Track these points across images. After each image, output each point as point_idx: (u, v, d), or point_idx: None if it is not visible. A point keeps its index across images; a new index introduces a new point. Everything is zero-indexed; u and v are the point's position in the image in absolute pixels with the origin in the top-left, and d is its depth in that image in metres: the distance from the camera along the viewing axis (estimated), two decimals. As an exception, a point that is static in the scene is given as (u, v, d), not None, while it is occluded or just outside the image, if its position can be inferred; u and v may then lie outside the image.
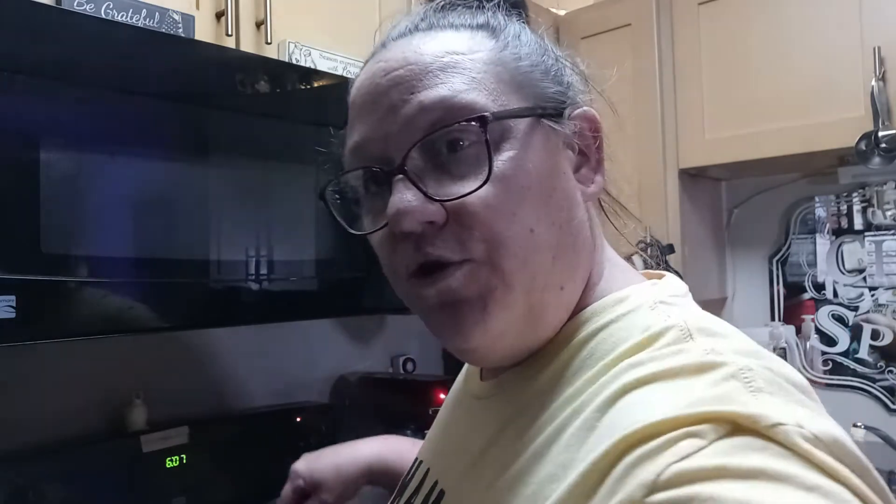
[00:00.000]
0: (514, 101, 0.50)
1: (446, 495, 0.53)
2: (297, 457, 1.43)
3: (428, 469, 0.59)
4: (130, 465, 1.24)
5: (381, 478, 0.91)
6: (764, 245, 2.03)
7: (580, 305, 0.52)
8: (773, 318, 2.01)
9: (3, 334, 0.87)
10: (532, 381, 0.52)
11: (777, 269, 2.01)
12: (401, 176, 0.48)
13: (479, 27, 0.52)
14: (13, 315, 0.87)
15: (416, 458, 0.63)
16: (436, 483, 0.55)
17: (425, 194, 0.48)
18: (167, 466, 1.28)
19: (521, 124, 0.49)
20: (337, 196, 0.54)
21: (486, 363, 0.56)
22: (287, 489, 0.93)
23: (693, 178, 1.89)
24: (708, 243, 2.01)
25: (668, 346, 0.46)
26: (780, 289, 2.00)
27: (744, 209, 2.07)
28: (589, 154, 0.53)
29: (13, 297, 0.87)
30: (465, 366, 0.66)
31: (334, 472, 0.91)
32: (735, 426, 0.39)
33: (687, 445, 0.38)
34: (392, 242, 0.50)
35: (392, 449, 0.92)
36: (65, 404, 1.26)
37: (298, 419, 1.51)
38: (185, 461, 1.30)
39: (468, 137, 0.48)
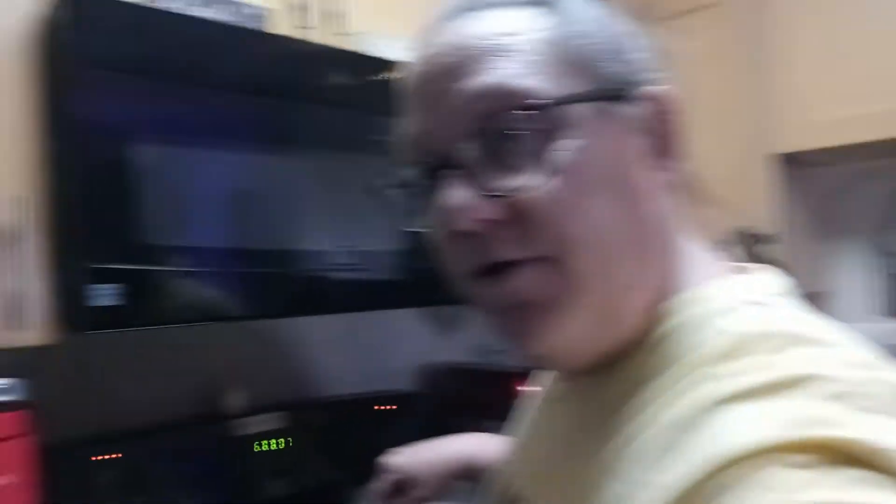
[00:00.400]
0: (576, 84, 0.45)
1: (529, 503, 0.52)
2: (384, 445, 1.47)
3: (510, 473, 0.58)
4: (228, 448, 1.30)
5: (472, 475, 0.91)
6: (869, 234, 1.91)
7: (658, 304, 0.47)
8: (880, 313, 1.89)
9: (111, 321, 0.92)
10: (604, 386, 0.48)
11: (884, 259, 1.89)
12: (453, 170, 0.45)
13: (535, 3, 0.47)
14: (120, 302, 0.92)
15: (501, 461, 0.63)
16: (516, 488, 0.55)
17: (481, 189, 0.44)
18: (262, 450, 1.33)
19: (584, 109, 0.44)
20: (395, 190, 0.51)
21: (558, 367, 0.53)
22: (381, 483, 0.95)
23: (792, 163, 1.79)
24: (808, 233, 1.91)
25: (758, 356, 0.40)
26: (887, 280, 1.88)
27: (847, 196, 1.95)
28: (664, 139, 0.47)
29: (120, 286, 0.92)
30: None
31: (428, 468, 0.92)
32: (845, 454, 0.34)
33: (791, 479, 0.33)
34: (450, 241, 0.46)
35: (481, 448, 0.91)
36: (168, 388, 1.33)
37: (385, 407, 1.53)
38: (279, 445, 1.35)
39: (524, 126, 0.43)
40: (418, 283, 1.24)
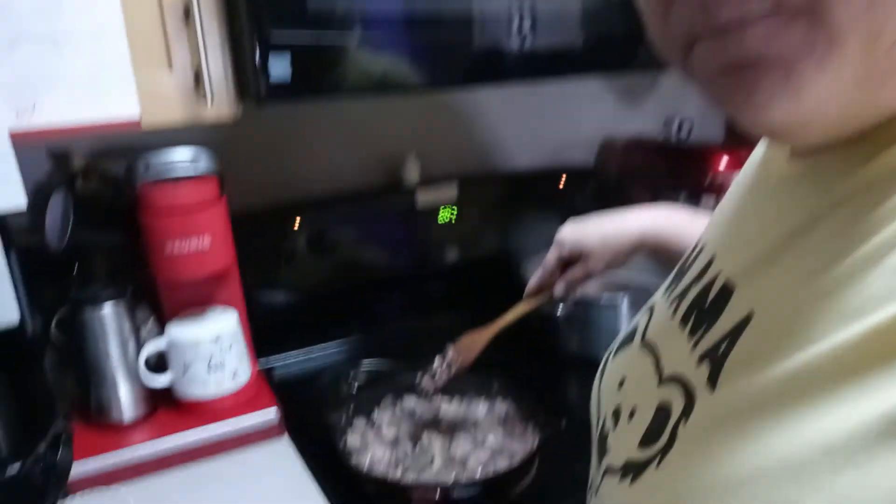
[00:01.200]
0: None
1: (736, 291, 0.43)
2: (559, 219, 1.45)
3: (712, 257, 0.49)
4: (406, 217, 1.33)
5: (652, 250, 0.85)
6: None
7: None
8: None
9: (288, 93, 0.92)
10: (859, 168, 0.37)
11: None
12: None
13: None
14: (296, 74, 0.90)
15: (699, 242, 0.54)
16: (719, 274, 0.46)
17: None
18: (439, 221, 1.35)
19: None
20: None
21: (794, 141, 0.42)
22: (552, 254, 0.92)
23: None
24: None
25: None
26: None
27: None
28: None
29: (296, 57, 0.90)
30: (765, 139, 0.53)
31: (601, 241, 0.87)
32: None
33: None
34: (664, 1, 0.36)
35: (668, 221, 0.84)
36: (348, 160, 1.36)
37: (562, 181, 1.48)
38: (455, 216, 1.36)
39: None
40: (605, 47, 1.11)
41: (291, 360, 1.26)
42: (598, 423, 0.54)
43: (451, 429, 0.97)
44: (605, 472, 0.48)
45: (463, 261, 1.38)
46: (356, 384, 1.17)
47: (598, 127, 1.62)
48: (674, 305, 0.49)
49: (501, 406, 1.02)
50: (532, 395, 1.01)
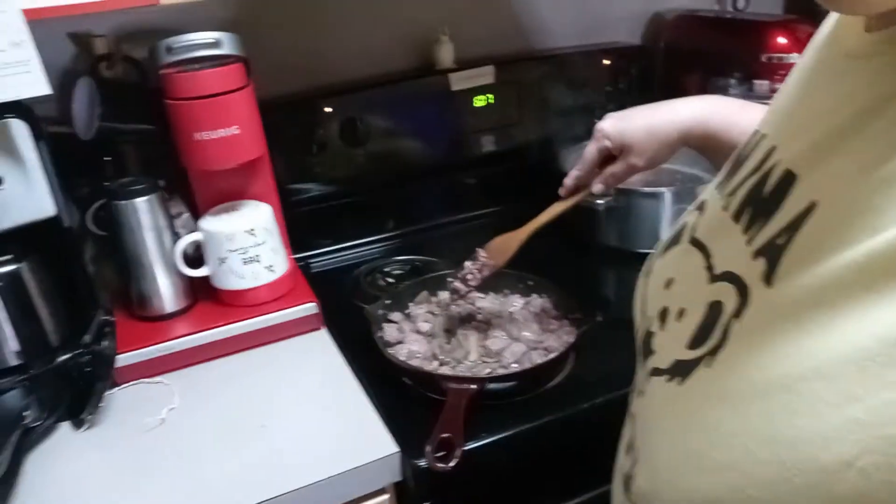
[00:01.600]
0: None
1: (798, 180, 0.40)
2: (602, 104, 1.38)
3: (772, 147, 0.45)
4: (441, 101, 1.28)
5: (700, 143, 0.79)
6: None
7: None
8: None
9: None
10: None
11: None
12: None
13: None
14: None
15: (756, 133, 0.49)
16: (779, 162, 0.42)
17: None
18: (475, 105, 1.29)
19: None
20: None
21: (872, 9, 0.37)
22: (591, 148, 0.86)
23: None
24: None
25: None
26: None
27: None
28: None
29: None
30: (832, 14, 0.47)
31: (646, 134, 0.81)
32: None
33: None
34: None
35: (716, 112, 0.78)
36: (380, 43, 1.30)
37: (606, 61, 1.40)
38: (491, 101, 1.30)
39: None
40: None
41: (327, 255, 1.25)
42: (641, 324, 0.53)
43: (486, 323, 0.96)
44: (652, 374, 0.47)
45: (499, 149, 1.33)
46: (392, 278, 1.17)
47: (647, 1, 1.50)
48: (727, 200, 0.47)
49: (537, 301, 1.01)
50: (569, 290, 1.00)
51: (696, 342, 0.42)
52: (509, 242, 0.93)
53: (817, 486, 0.31)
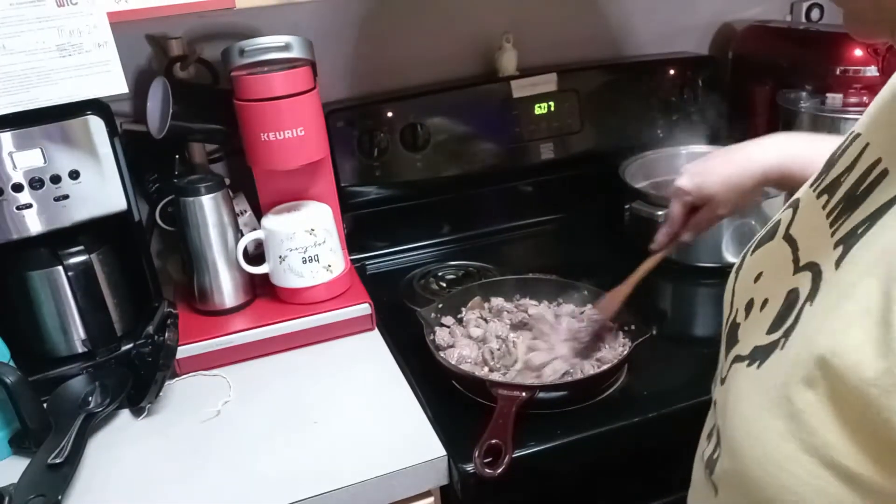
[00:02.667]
0: None
1: (890, 175, 0.40)
2: (667, 110, 1.36)
3: (867, 143, 0.45)
4: (502, 108, 1.28)
5: (777, 184, 0.81)
6: None
7: None
8: None
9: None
10: None
11: None
12: None
13: None
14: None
15: (852, 132, 0.50)
16: (878, 161, 0.43)
17: None
18: (535, 113, 1.29)
19: None
20: None
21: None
22: (676, 207, 0.88)
23: None
24: None
25: None
26: None
27: None
28: None
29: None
30: None
31: (725, 185, 0.82)
32: None
33: None
34: None
35: (789, 154, 0.78)
36: (443, 49, 1.31)
37: (672, 70, 1.37)
38: (552, 108, 1.30)
39: None
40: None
41: (383, 257, 1.27)
42: (729, 316, 0.56)
43: (539, 332, 0.96)
44: (734, 361, 0.50)
45: (558, 157, 1.32)
46: (445, 282, 1.17)
47: (716, 10, 1.48)
48: (822, 198, 0.49)
49: (591, 311, 0.99)
50: (625, 301, 0.98)
51: (773, 328, 0.45)
52: (614, 298, 0.94)
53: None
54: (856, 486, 0.36)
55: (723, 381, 0.53)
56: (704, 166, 0.86)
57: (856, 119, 0.52)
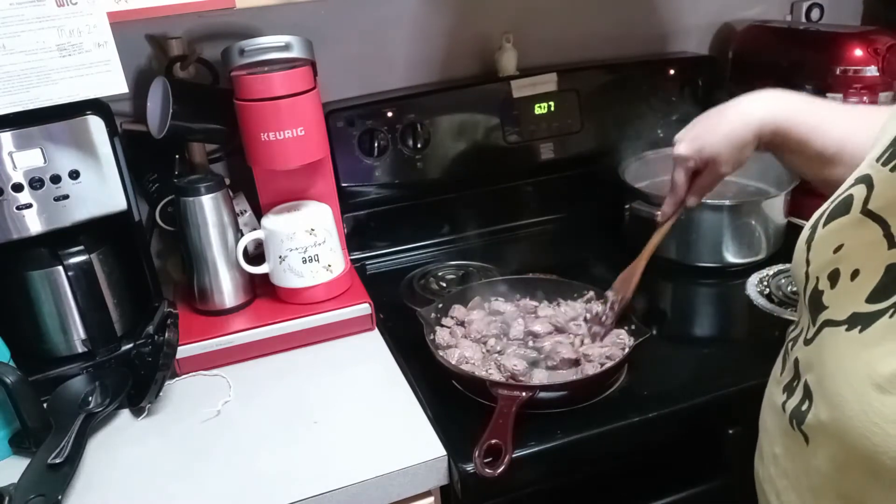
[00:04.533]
0: None
1: None
2: (667, 110, 1.36)
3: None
4: (502, 108, 1.28)
5: (771, 138, 0.80)
6: None
7: None
8: None
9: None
10: None
11: None
12: None
13: None
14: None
15: None
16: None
17: None
18: (535, 113, 1.29)
19: None
20: None
21: None
22: (679, 175, 0.88)
23: None
24: None
25: None
26: None
27: None
28: None
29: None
30: None
31: (726, 142, 0.82)
32: None
33: None
34: None
35: (783, 107, 0.79)
36: (443, 50, 1.31)
37: (671, 71, 1.37)
38: (552, 108, 1.30)
39: None
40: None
41: (383, 257, 1.27)
42: (807, 284, 0.59)
43: (539, 331, 0.96)
44: (824, 325, 0.54)
45: (558, 157, 1.32)
46: (445, 282, 1.17)
47: (716, 10, 1.48)
48: None
49: (592, 311, 0.99)
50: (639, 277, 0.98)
51: (875, 298, 0.49)
52: (631, 275, 0.96)
53: None
54: None
55: (807, 341, 0.57)
56: (700, 129, 0.85)
57: (856, 119, 0.53)
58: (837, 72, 1.22)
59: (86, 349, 0.95)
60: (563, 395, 0.85)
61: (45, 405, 0.87)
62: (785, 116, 0.78)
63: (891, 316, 0.47)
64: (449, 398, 0.87)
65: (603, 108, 1.33)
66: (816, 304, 0.57)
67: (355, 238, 1.22)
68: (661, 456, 0.86)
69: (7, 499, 0.75)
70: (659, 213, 0.94)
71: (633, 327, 0.93)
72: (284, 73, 0.95)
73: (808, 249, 0.60)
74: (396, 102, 1.23)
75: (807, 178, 0.87)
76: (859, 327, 0.50)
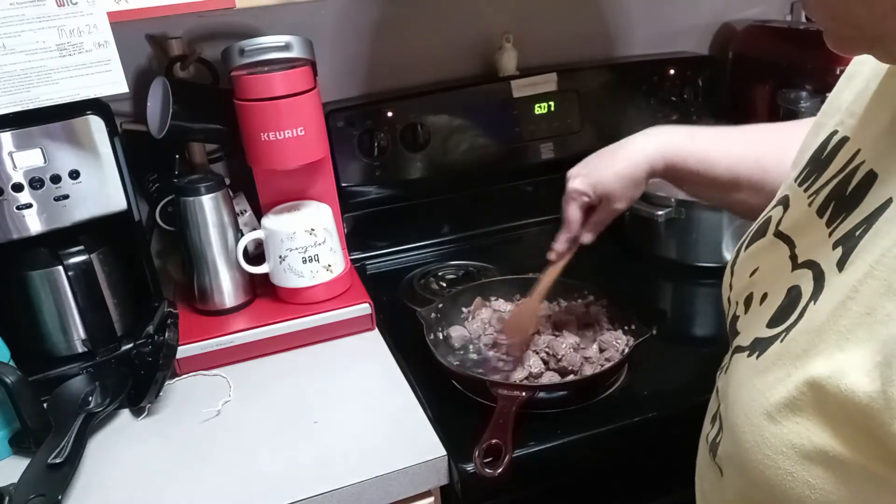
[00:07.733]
0: None
1: (878, 179, 0.43)
2: (667, 110, 1.36)
3: (858, 149, 0.48)
4: (502, 108, 1.28)
5: (662, 174, 0.81)
6: None
7: None
8: None
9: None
10: None
11: None
12: None
13: None
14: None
15: (836, 131, 0.53)
16: (862, 164, 0.46)
17: None
18: (536, 112, 1.29)
19: None
20: None
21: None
22: (573, 209, 0.86)
23: None
24: None
25: None
26: None
27: None
28: None
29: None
30: None
31: (617, 180, 0.82)
32: None
33: None
34: None
35: (671, 144, 0.79)
36: (443, 49, 1.31)
37: (671, 71, 1.37)
38: (552, 108, 1.30)
39: None
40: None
41: (383, 257, 1.27)
42: (728, 309, 0.58)
43: (539, 331, 0.96)
44: (735, 352, 0.52)
45: (558, 157, 1.32)
46: (445, 282, 1.17)
47: (716, 10, 1.48)
48: (812, 197, 0.51)
49: (592, 310, 0.99)
50: (624, 301, 0.98)
51: (774, 322, 0.47)
52: (525, 317, 0.94)
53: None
54: (843, 470, 0.38)
55: (723, 368, 0.57)
56: (593, 165, 0.85)
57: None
58: (837, 72, 1.21)
59: (86, 349, 0.95)
60: (563, 395, 0.85)
61: (45, 405, 0.87)
62: (673, 152, 0.78)
63: (781, 341, 0.45)
64: (449, 398, 0.87)
65: (603, 108, 1.33)
66: (732, 331, 0.55)
67: (355, 238, 1.22)
68: (661, 456, 0.86)
69: (7, 499, 0.75)
70: (552, 252, 0.89)
71: (632, 327, 0.93)
72: (284, 73, 0.95)
73: (732, 274, 0.59)
74: (396, 102, 1.23)
75: (714, 204, 0.89)
76: (757, 353, 0.47)
